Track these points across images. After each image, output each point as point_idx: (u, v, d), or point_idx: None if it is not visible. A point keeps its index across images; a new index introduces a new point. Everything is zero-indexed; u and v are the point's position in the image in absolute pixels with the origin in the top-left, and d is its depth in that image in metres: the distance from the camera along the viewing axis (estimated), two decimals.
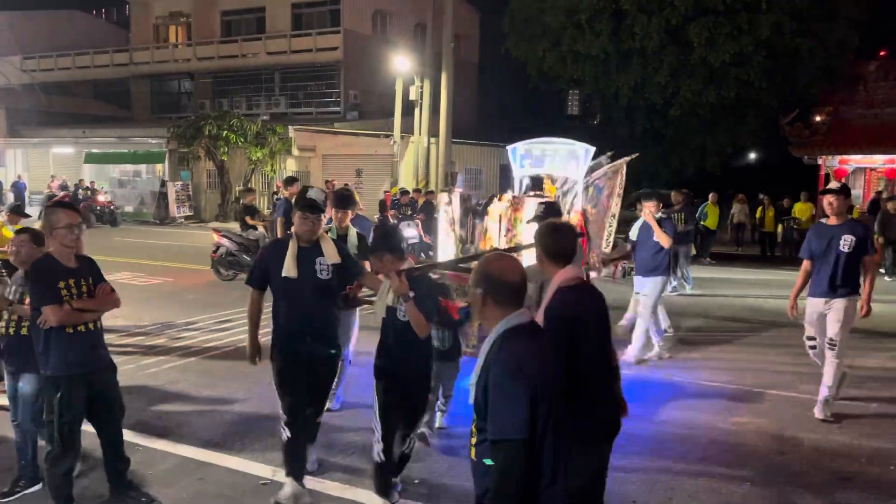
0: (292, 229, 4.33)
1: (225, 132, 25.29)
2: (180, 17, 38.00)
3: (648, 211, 7.54)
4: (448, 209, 7.59)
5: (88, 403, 3.95)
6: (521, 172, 7.91)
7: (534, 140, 7.91)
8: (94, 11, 46.14)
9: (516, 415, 2.27)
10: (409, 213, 15.06)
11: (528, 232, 6.52)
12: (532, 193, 7.28)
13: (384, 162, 27.22)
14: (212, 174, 27.95)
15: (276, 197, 19.24)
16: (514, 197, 7.29)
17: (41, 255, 4.00)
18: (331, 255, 4.27)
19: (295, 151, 26.99)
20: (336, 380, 5.30)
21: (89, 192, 25.34)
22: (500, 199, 7.35)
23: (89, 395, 3.93)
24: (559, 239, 3.15)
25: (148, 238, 20.88)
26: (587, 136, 7.37)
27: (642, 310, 7.56)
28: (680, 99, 21.48)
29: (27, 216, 7.98)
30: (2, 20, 35.17)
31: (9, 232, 7.89)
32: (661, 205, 7.95)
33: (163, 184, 27.22)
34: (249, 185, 24.06)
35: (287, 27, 34.18)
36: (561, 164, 7.57)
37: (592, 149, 7.34)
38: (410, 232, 13.07)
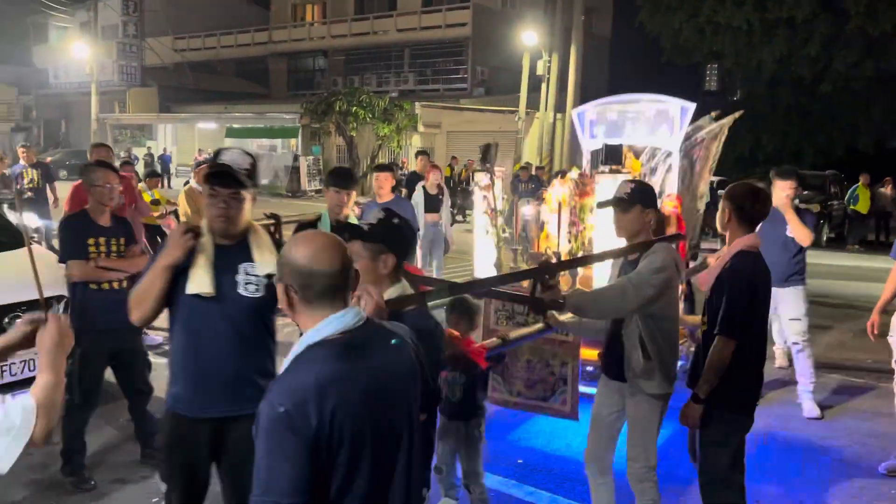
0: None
1: (354, 108, 25.94)
2: None
3: (785, 194, 5.29)
4: (488, 194, 6.11)
5: (111, 358, 4.10)
6: (590, 144, 5.94)
7: (609, 99, 5.99)
8: None
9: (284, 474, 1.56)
10: (531, 188, 14.74)
11: (601, 226, 4.88)
12: (607, 170, 5.20)
13: (509, 139, 26.98)
14: (341, 149, 28.80)
15: (401, 172, 19.55)
16: (579, 175, 5.51)
17: (78, 211, 4.17)
18: (264, 259, 2.74)
19: (420, 128, 27.27)
20: None
21: None
22: (562, 181, 5.56)
23: (112, 351, 4.06)
24: (760, 208, 3.18)
25: (279, 209, 21.70)
26: (726, 114, 6.21)
27: (799, 339, 5.46)
28: (832, 73, 19.80)
29: (160, 176, 8.52)
30: (156, 2, 37.64)
31: (148, 196, 8.43)
32: (800, 188, 5.78)
33: (295, 158, 28.35)
34: (382, 162, 24.60)
35: (417, 4, 34.46)
36: (646, 129, 5.64)
37: (691, 106, 5.44)
38: (528, 211, 12.70)
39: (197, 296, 2.64)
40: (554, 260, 4.85)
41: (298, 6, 40.23)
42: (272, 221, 3.41)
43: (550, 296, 3.02)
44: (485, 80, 32.29)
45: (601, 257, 3.78)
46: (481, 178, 6.29)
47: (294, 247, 1.69)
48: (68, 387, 3.93)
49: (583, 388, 4.07)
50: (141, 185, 8.58)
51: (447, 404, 3.44)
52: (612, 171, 5.11)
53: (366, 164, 26.54)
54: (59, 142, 40.83)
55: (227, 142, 30.67)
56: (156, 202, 8.39)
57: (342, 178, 3.97)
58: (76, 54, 33.37)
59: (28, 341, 1.91)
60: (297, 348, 1.65)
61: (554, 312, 3.23)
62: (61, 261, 3.99)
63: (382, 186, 5.22)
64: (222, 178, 2.66)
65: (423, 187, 8.13)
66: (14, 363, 4.17)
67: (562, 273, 4.55)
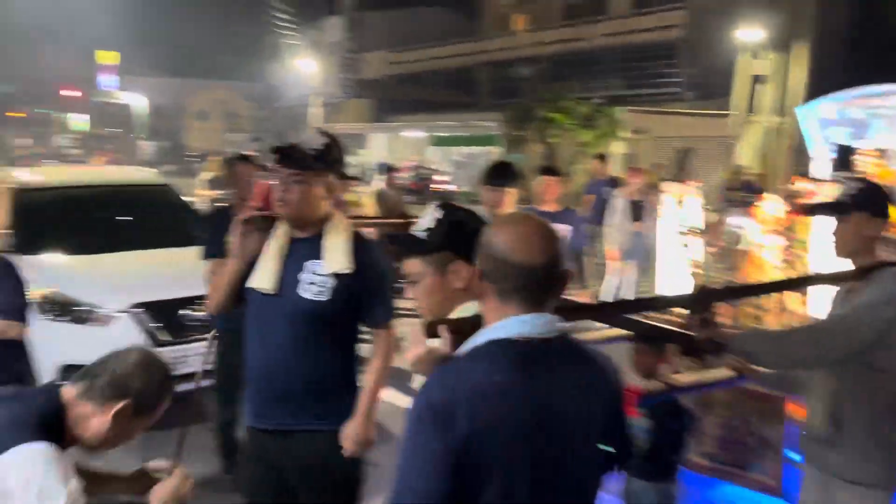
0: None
1: (555, 115, 25.57)
2: (523, 3, 39.38)
3: None
4: (679, 209, 5.14)
5: None
6: (819, 148, 4.98)
7: (851, 93, 4.89)
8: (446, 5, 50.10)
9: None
10: (742, 196, 13.41)
11: (819, 249, 3.93)
12: (841, 177, 4.29)
13: (720, 144, 25.08)
14: (542, 157, 28.54)
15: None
16: (815, 180, 4.49)
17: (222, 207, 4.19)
18: (333, 257, 2.40)
19: (625, 133, 26.25)
20: None
21: (427, 174, 27.99)
22: (782, 197, 4.52)
23: None
24: None
25: None
26: None
27: None
28: None
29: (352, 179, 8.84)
30: (374, 18, 39.95)
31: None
32: None
33: None
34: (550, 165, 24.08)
35: (626, 8, 33.33)
36: None
37: None
38: (736, 221, 11.52)
39: (260, 291, 2.41)
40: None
41: (505, 16, 40.62)
42: (401, 221, 3.15)
43: (709, 334, 2.22)
44: (697, 83, 30.38)
45: (791, 285, 2.94)
46: (672, 187, 5.50)
47: (495, 229, 1.47)
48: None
49: (792, 455, 3.35)
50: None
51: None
52: (843, 180, 4.05)
53: (565, 171, 26.03)
54: None
55: (432, 150, 31.79)
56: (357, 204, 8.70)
57: (500, 173, 3.54)
58: (303, 69, 36.40)
59: (142, 487, 1.92)
60: (476, 339, 1.43)
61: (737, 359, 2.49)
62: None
63: (546, 192, 4.48)
64: (285, 156, 2.36)
65: (619, 194, 7.44)
66: None
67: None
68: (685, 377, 2.83)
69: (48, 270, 5.24)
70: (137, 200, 6.44)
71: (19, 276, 3.33)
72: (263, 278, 2.41)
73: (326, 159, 2.40)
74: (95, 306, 4.92)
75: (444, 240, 1.73)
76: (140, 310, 4.87)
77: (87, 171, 9.87)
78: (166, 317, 4.92)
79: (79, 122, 57.15)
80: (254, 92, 52.18)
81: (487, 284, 1.45)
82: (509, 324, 1.41)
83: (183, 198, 6.75)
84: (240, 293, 2.49)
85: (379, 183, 8.22)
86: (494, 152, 29.59)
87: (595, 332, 3.06)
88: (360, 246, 2.45)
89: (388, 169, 8.29)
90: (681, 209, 5.41)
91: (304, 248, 2.42)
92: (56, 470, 1.61)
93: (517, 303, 1.42)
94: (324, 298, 2.38)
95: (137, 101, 52.17)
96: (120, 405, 1.78)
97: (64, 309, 4.95)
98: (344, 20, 38.59)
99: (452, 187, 27.51)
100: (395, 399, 3.56)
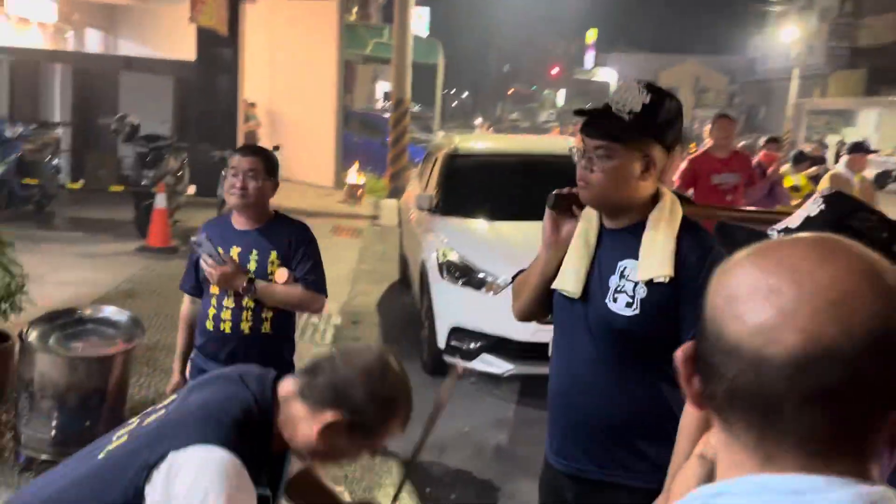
0: None
1: None
2: None
3: None
4: None
5: None
6: None
7: None
8: None
9: None
10: None
11: None
12: None
13: None
14: None
15: None
16: None
17: None
18: (652, 257, 1.77)
19: None
20: None
21: None
22: None
23: None
24: None
25: None
26: None
27: None
28: None
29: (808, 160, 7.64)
30: None
31: (791, 180, 7.43)
32: None
33: None
34: None
35: None
36: None
37: None
38: None
39: (563, 294, 1.89)
40: None
41: None
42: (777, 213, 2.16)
43: None
44: None
45: None
46: None
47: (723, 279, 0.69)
48: None
49: None
50: (785, 168, 7.66)
51: None
52: None
53: None
54: (755, 127, 41.73)
55: None
56: (796, 188, 7.35)
57: None
58: (785, 39, 33.10)
59: None
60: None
61: None
62: None
63: None
64: (588, 122, 1.82)
65: None
66: None
67: None
68: None
69: (457, 234, 5.44)
70: (561, 171, 6.30)
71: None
72: (567, 278, 1.88)
73: (648, 124, 1.75)
74: (490, 274, 4.93)
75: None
76: None
77: (515, 139, 10.24)
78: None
79: (559, 98, 62.15)
80: (728, 65, 49.69)
81: (710, 402, 0.68)
82: (776, 486, 0.61)
83: None
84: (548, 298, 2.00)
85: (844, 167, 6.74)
86: None
87: None
88: (689, 244, 1.76)
89: (856, 148, 6.61)
90: None
91: (619, 242, 1.84)
92: (227, 488, 1.32)
93: (782, 443, 0.62)
94: (633, 312, 1.77)
95: (611, 77, 54.22)
96: (330, 417, 1.44)
97: (463, 274, 5.07)
98: None
99: None
100: None
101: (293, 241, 2.72)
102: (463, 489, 3.88)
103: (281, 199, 12.33)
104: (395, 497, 2.04)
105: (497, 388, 4.93)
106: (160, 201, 7.75)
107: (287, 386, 1.51)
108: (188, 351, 2.82)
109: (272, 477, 1.54)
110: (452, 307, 4.96)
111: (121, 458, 1.40)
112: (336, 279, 7.83)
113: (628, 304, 1.78)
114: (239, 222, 2.74)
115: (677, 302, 1.75)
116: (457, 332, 4.88)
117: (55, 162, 9.32)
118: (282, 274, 2.61)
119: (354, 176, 13.12)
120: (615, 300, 1.80)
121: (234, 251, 2.62)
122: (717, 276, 0.68)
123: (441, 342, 4.94)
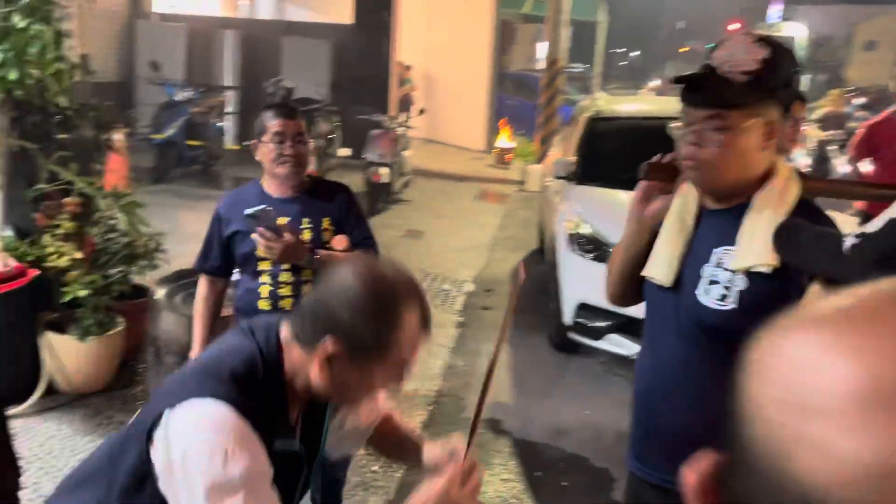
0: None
1: None
2: None
3: None
4: None
5: None
6: None
7: None
8: None
9: None
10: None
11: None
12: None
13: None
14: None
15: None
16: None
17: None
18: (752, 242, 1.47)
19: None
20: None
21: None
22: None
23: None
24: None
25: None
26: None
27: None
28: None
29: None
30: None
31: None
32: None
33: None
34: None
35: None
36: None
37: None
38: None
39: (653, 282, 1.65)
40: None
41: None
42: None
43: None
44: None
45: None
46: None
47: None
48: None
49: None
50: None
51: None
52: None
53: None
54: None
55: None
56: None
57: None
58: None
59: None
60: None
61: None
62: None
63: None
64: (691, 88, 1.51)
65: None
66: None
67: None
68: None
69: (593, 205, 5.11)
70: None
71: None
72: (658, 264, 1.64)
73: (768, 82, 1.43)
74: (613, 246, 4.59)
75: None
76: None
77: (667, 101, 9.53)
78: None
79: None
80: None
81: None
82: None
83: None
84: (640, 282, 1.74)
85: None
86: None
87: None
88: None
89: None
90: None
91: (719, 224, 1.57)
92: (225, 442, 1.18)
93: None
94: (728, 306, 1.52)
95: (799, 32, 49.47)
96: (322, 350, 1.25)
97: (591, 245, 4.77)
98: None
99: None
100: None
101: (343, 204, 2.56)
102: (576, 476, 3.67)
103: (429, 162, 12.55)
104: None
105: (624, 370, 4.63)
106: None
107: (284, 332, 1.35)
108: (208, 339, 2.66)
109: (309, 432, 1.41)
110: (581, 282, 4.68)
111: (134, 424, 1.35)
112: (476, 246, 7.74)
113: (723, 297, 1.52)
114: (279, 190, 2.52)
115: (783, 298, 1.41)
116: (584, 309, 4.61)
117: (220, 124, 9.91)
118: (340, 240, 2.45)
119: (504, 139, 12.90)
120: (707, 292, 1.54)
121: (282, 222, 2.41)
122: (764, 353, 0.43)
123: (567, 318, 4.70)
